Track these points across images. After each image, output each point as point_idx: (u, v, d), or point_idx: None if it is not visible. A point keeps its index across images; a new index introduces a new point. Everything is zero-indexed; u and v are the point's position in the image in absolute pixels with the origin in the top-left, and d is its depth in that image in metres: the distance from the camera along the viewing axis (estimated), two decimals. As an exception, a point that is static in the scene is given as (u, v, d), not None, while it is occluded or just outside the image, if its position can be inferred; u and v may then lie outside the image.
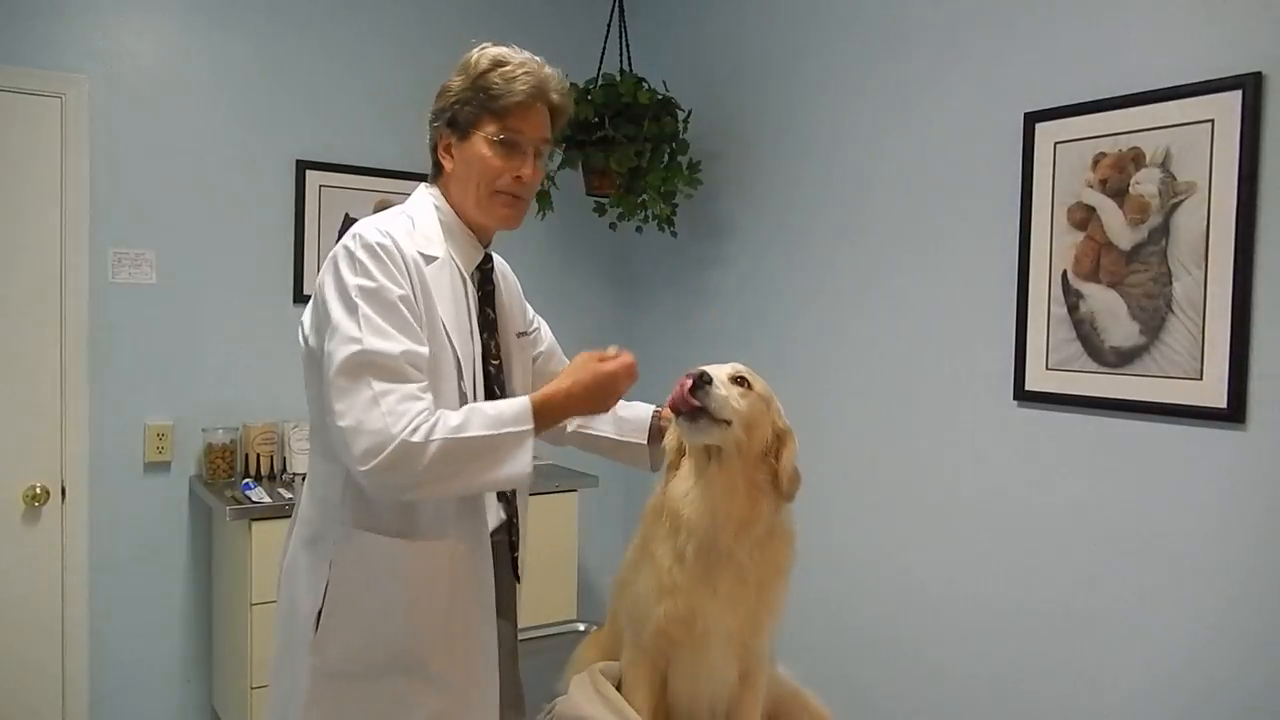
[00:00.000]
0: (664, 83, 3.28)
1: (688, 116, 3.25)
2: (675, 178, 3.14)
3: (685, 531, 1.45)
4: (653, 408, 1.80)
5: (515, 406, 1.43)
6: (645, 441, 1.77)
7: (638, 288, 3.82)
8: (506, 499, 1.64)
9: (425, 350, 1.43)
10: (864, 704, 2.71)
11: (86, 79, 2.85)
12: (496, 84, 1.52)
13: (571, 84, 3.15)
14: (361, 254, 1.44)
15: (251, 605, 2.66)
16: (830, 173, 2.90)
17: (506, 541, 1.66)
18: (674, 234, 3.33)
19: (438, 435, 1.36)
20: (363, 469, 1.35)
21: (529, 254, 3.58)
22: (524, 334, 1.77)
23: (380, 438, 1.34)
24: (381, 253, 1.44)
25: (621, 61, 3.35)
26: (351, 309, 1.41)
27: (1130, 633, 2.13)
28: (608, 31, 3.40)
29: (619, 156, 3.06)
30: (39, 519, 2.84)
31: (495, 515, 1.61)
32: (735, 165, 3.26)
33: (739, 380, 1.50)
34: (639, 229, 3.38)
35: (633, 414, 1.81)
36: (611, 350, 1.52)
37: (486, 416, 1.41)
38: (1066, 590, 2.26)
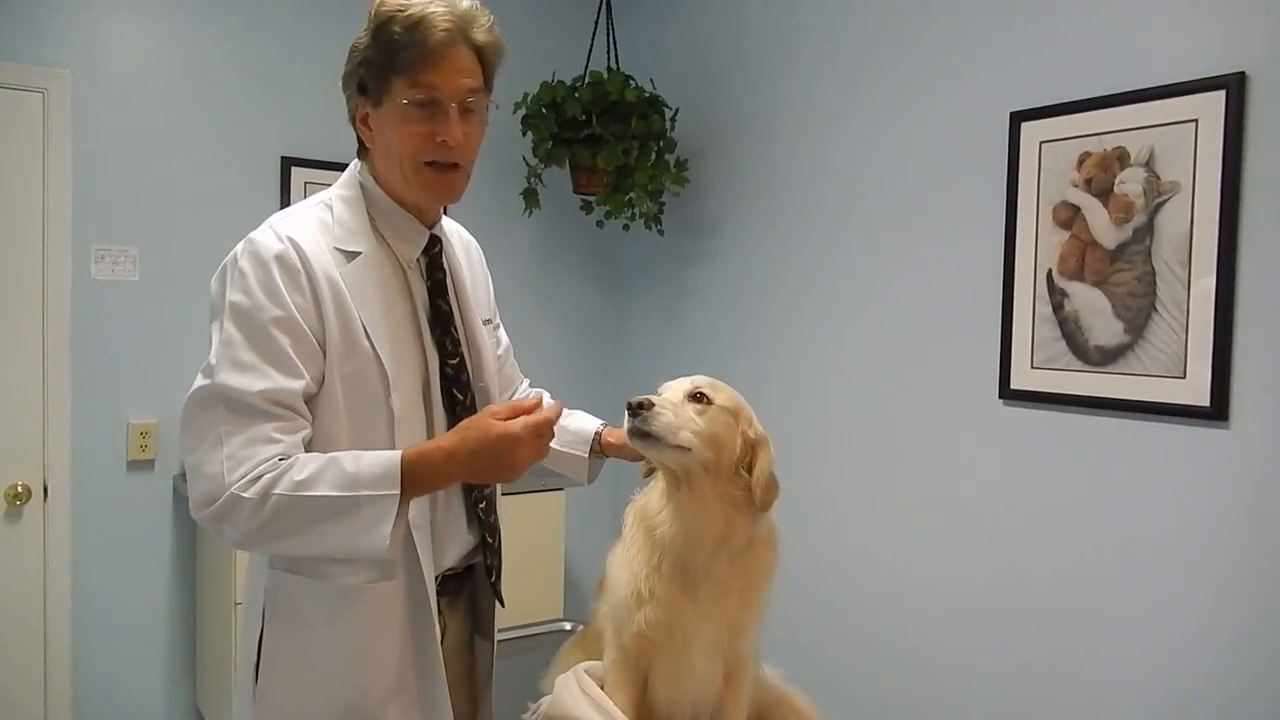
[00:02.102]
0: (651, 80, 3.28)
1: (675, 114, 3.24)
2: (662, 175, 3.14)
3: (660, 549, 1.42)
4: (599, 422, 1.66)
5: (381, 465, 1.20)
6: (585, 454, 1.62)
7: (625, 286, 3.82)
8: (480, 519, 1.48)
9: (297, 384, 1.24)
10: (851, 702, 2.72)
11: (69, 74, 2.83)
12: (398, 34, 1.28)
13: (559, 81, 3.18)
14: (245, 263, 1.27)
15: (235, 604, 2.64)
16: (817, 171, 2.90)
17: (483, 565, 1.52)
18: (661, 232, 3.32)
19: (278, 490, 1.18)
20: (195, 516, 1.23)
21: (515, 252, 3.58)
22: (489, 322, 1.58)
23: (213, 485, 1.20)
24: (272, 263, 1.25)
25: (609, 59, 3.34)
26: (218, 331, 1.26)
27: (1114, 629, 2.14)
28: (595, 29, 3.39)
29: (606, 154, 3.05)
30: (20, 518, 2.82)
31: (463, 542, 1.48)
32: (722, 163, 3.26)
33: (697, 396, 1.40)
34: (626, 227, 3.38)
35: (577, 424, 1.66)
36: (531, 398, 1.28)
37: (343, 473, 1.20)
38: (1052, 587, 2.26)
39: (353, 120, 1.40)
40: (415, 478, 1.22)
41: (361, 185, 1.40)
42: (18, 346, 2.80)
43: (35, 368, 2.82)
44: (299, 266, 1.27)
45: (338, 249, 1.32)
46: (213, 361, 1.25)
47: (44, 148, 2.80)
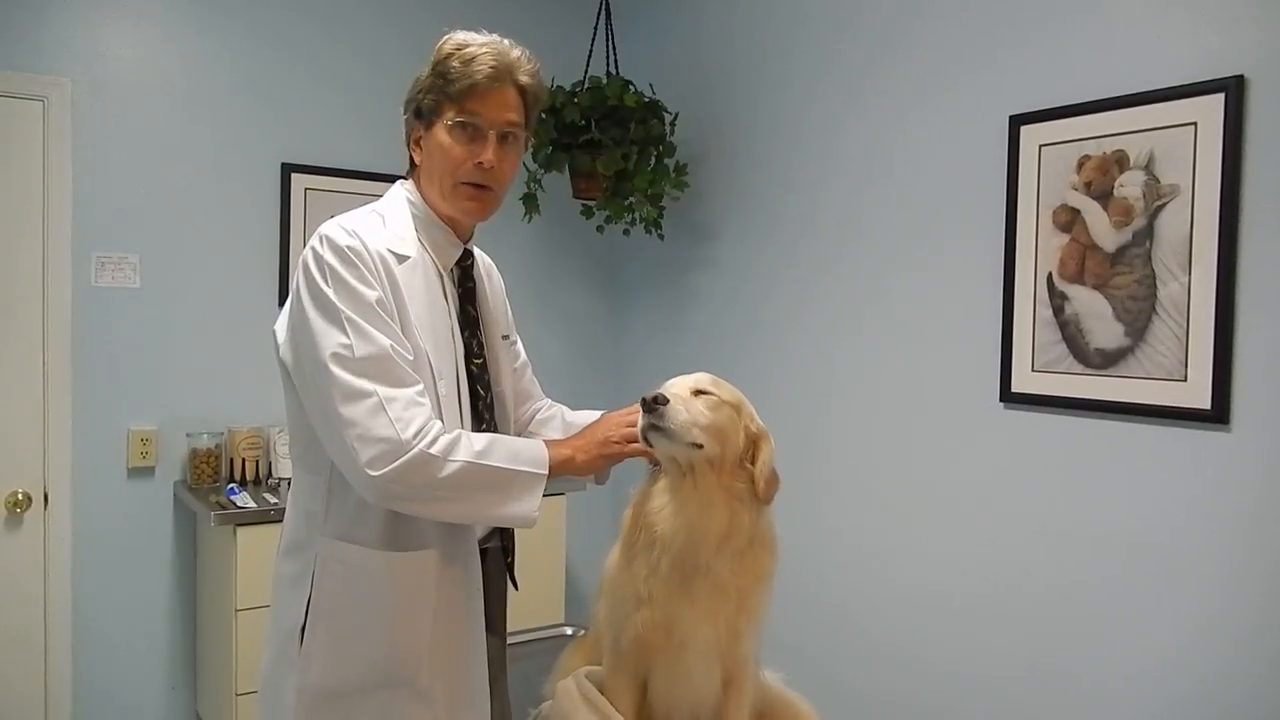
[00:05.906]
0: (650, 85, 3.28)
1: (674, 119, 3.25)
2: (662, 180, 3.14)
3: (660, 546, 1.42)
4: (600, 413, 1.71)
5: (532, 448, 1.43)
6: None
7: (625, 291, 3.82)
8: None
9: (409, 350, 1.39)
10: (853, 705, 2.71)
11: (69, 82, 2.83)
12: (455, 68, 1.46)
13: (558, 87, 3.18)
14: (331, 258, 1.38)
15: (237, 611, 2.64)
16: (818, 175, 2.90)
17: (500, 548, 1.62)
18: (661, 237, 3.33)
19: (460, 456, 1.34)
20: (372, 475, 1.31)
21: (515, 258, 3.58)
22: (506, 337, 1.71)
23: (389, 446, 1.30)
24: (351, 255, 1.39)
25: (608, 64, 3.35)
26: (333, 316, 1.36)
27: (1115, 632, 2.14)
28: (594, 34, 3.40)
29: (606, 160, 3.06)
30: (21, 525, 2.82)
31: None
32: (722, 167, 3.26)
33: (701, 393, 1.44)
34: (626, 232, 3.38)
35: (581, 419, 1.74)
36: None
37: (508, 448, 1.41)
38: (1053, 590, 2.26)
39: (408, 141, 1.56)
40: (553, 464, 1.44)
41: (407, 200, 1.54)
42: (18, 353, 2.80)
43: (36, 375, 2.82)
44: (370, 260, 1.41)
45: (390, 251, 1.45)
46: (343, 341, 1.34)
47: (44, 155, 2.81)
